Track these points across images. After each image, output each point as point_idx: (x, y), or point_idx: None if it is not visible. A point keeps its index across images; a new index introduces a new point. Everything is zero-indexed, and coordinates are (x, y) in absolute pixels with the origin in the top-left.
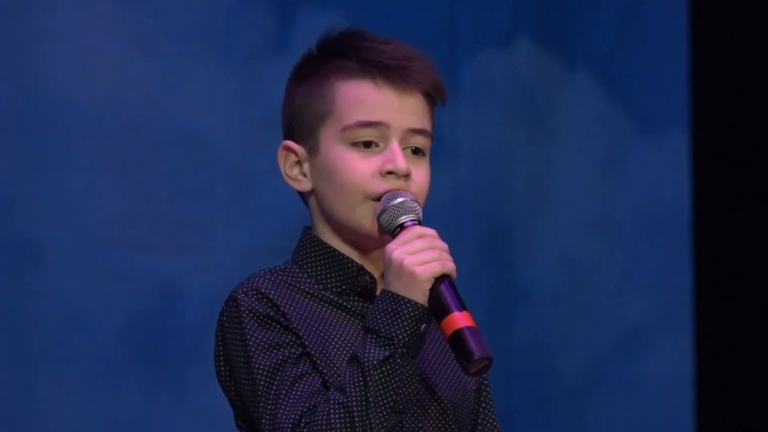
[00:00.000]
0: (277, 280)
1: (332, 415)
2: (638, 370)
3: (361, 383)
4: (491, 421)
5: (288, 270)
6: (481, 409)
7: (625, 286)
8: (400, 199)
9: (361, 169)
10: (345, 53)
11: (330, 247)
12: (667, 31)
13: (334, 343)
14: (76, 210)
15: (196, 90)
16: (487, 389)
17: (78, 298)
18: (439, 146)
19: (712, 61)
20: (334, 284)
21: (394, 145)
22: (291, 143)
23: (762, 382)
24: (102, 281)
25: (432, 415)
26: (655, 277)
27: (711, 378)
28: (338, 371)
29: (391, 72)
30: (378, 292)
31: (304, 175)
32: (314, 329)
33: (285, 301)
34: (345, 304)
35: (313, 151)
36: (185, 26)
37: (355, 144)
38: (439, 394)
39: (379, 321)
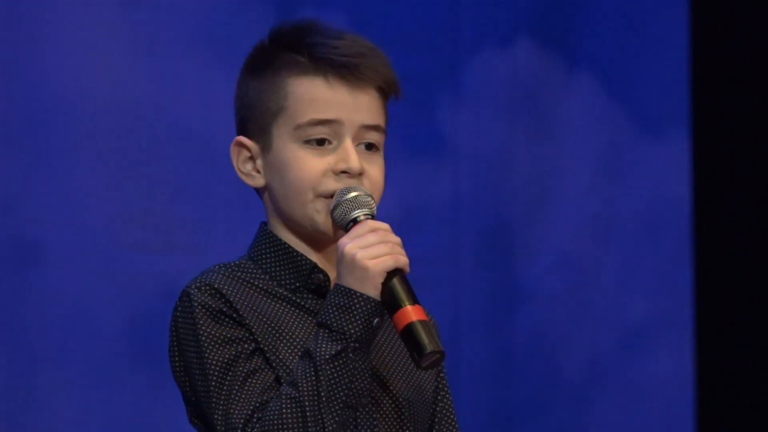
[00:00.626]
0: (231, 276)
1: (284, 410)
2: (638, 370)
3: (313, 378)
4: (449, 422)
5: (243, 266)
6: (438, 409)
7: (625, 286)
8: (353, 194)
9: (313, 167)
10: (297, 48)
11: (285, 243)
12: (667, 31)
13: (285, 339)
14: (76, 210)
15: (196, 90)
16: (445, 389)
17: (78, 298)
18: (439, 146)
19: (712, 61)
20: (287, 281)
21: (348, 143)
22: (244, 139)
23: (762, 382)
24: (102, 281)
25: (386, 411)
26: (655, 277)
27: (711, 378)
28: (289, 368)
29: (343, 69)
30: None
31: (258, 171)
32: (266, 325)
33: (238, 296)
34: (299, 301)
35: (266, 147)
36: (185, 26)
37: (308, 142)
38: (394, 390)
39: (332, 315)
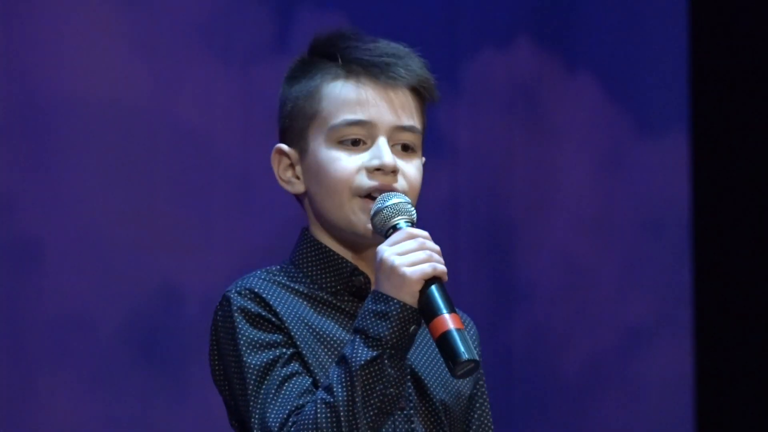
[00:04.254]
0: (272, 280)
1: (319, 415)
2: (638, 370)
3: (348, 383)
4: (486, 430)
5: (284, 270)
6: (475, 417)
7: (625, 286)
8: (394, 200)
9: (347, 165)
10: (331, 54)
11: (325, 247)
12: (667, 31)
13: (325, 342)
14: (76, 210)
15: (195, 90)
16: (484, 397)
17: (78, 298)
18: (439, 146)
19: (712, 61)
20: (328, 284)
21: (381, 141)
22: (283, 146)
23: (762, 382)
24: (102, 281)
25: (425, 415)
26: (655, 277)
27: (711, 378)
28: (328, 371)
29: (374, 69)
30: None
31: (297, 178)
32: (306, 329)
33: (278, 300)
34: (339, 304)
35: (303, 153)
36: (185, 26)
37: (342, 143)
38: (432, 395)
39: (368, 321)
